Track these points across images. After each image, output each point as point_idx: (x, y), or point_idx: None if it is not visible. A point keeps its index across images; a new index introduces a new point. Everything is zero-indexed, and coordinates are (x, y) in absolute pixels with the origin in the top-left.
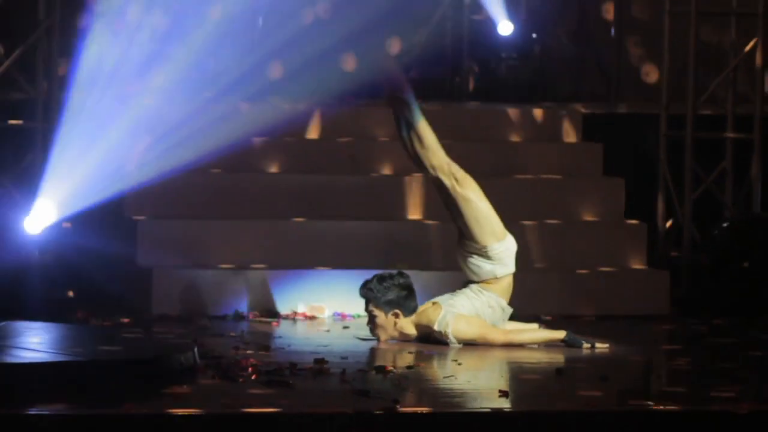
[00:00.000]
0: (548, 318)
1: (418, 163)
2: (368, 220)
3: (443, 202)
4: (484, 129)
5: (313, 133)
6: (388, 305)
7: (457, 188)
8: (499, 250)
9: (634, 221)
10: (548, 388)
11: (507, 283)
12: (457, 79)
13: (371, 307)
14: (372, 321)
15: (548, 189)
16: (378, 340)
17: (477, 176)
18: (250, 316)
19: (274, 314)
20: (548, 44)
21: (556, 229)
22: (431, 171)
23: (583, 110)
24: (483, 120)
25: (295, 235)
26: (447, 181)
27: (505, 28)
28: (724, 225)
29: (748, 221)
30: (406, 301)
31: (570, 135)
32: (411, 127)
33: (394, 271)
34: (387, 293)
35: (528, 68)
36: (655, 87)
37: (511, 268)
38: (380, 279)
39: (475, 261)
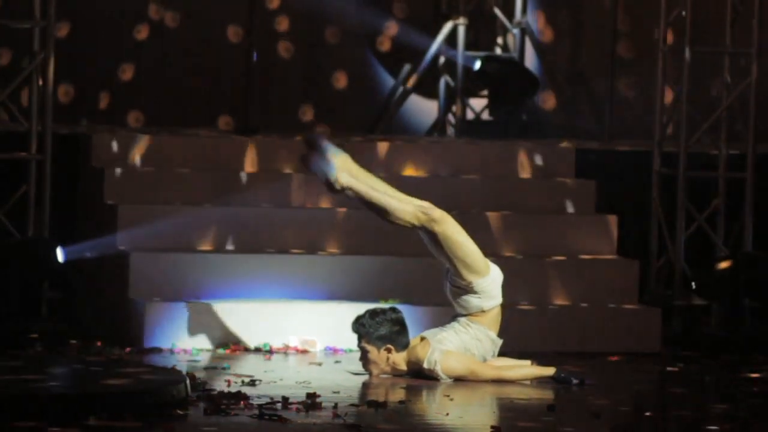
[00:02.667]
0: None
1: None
2: (362, 255)
3: (425, 243)
4: (478, 163)
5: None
6: (381, 340)
7: (437, 229)
8: (485, 284)
9: (626, 258)
10: (540, 425)
11: (495, 314)
12: (452, 114)
13: (363, 343)
14: (364, 356)
15: (540, 225)
16: (370, 375)
17: (468, 209)
18: (242, 349)
19: (266, 347)
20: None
21: (548, 264)
22: (408, 227)
23: (575, 147)
24: (477, 154)
25: (288, 267)
26: (427, 227)
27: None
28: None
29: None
30: (399, 337)
31: (563, 172)
32: (363, 203)
33: (387, 306)
34: (379, 328)
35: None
36: (649, 124)
37: (498, 299)
38: (372, 314)
39: (462, 296)
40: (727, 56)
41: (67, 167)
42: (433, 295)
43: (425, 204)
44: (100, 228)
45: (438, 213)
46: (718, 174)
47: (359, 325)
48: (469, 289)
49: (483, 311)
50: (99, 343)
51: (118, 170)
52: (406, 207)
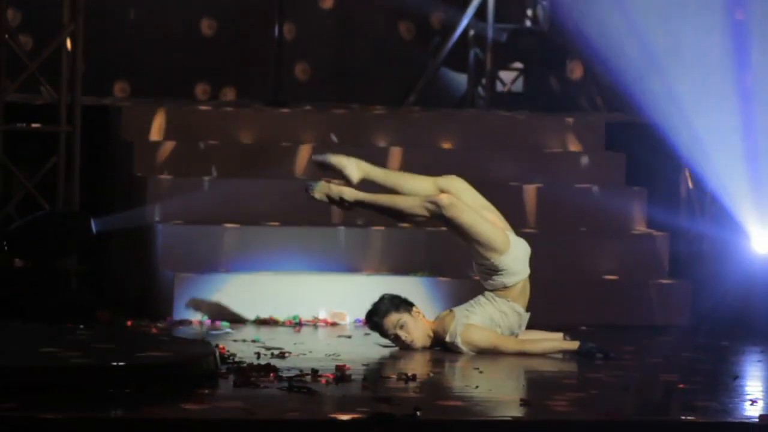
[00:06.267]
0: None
1: None
2: (390, 227)
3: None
4: (508, 136)
5: (336, 137)
6: (405, 306)
7: (447, 215)
8: (506, 261)
9: (657, 231)
10: (569, 398)
11: (520, 288)
12: (480, 87)
13: (394, 319)
14: (404, 331)
15: (570, 197)
16: (416, 348)
17: (497, 182)
18: (272, 322)
19: (296, 320)
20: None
21: (577, 237)
22: (422, 219)
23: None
24: (508, 127)
25: (318, 240)
26: (438, 213)
27: None
28: None
29: None
30: (408, 302)
31: (593, 144)
32: (376, 211)
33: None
34: (392, 302)
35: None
36: None
37: (521, 275)
38: (376, 306)
39: (486, 273)
40: None
41: (96, 140)
42: (462, 267)
43: (436, 186)
44: (129, 200)
45: (446, 199)
46: None
47: (378, 316)
48: (491, 267)
49: (506, 287)
50: (128, 316)
51: (148, 142)
52: (414, 201)
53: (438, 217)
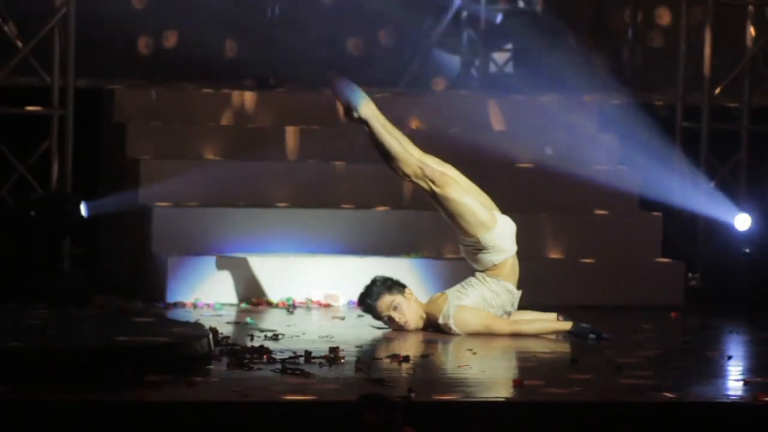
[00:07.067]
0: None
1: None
2: (383, 208)
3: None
4: (500, 117)
5: (330, 120)
6: (398, 287)
7: (436, 189)
8: (492, 238)
9: (649, 212)
10: (562, 378)
11: (510, 266)
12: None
13: (387, 301)
14: (397, 313)
15: (563, 179)
16: (410, 329)
17: (490, 163)
18: (265, 304)
19: (289, 301)
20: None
21: (572, 219)
22: (406, 179)
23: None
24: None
25: (310, 222)
26: (424, 185)
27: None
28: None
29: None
30: (399, 283)
31: (586, 125)
32: (373, 141)
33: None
34: (383, 285)
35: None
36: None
37: (508, 252)
38: (368, 289)
39: (473, 253)
40: (751, 6)
41: (89, 122)
42: (455, 248)
43: (429, 162)
44: (122, 183)
45: (438, 174)
46: (741, 127)
47: (371, 298)
48: (477, 246)
49: (495, 265)
50: (121, 298)
51: (140, 125)
52: (410, 159)
53: (420, 185)
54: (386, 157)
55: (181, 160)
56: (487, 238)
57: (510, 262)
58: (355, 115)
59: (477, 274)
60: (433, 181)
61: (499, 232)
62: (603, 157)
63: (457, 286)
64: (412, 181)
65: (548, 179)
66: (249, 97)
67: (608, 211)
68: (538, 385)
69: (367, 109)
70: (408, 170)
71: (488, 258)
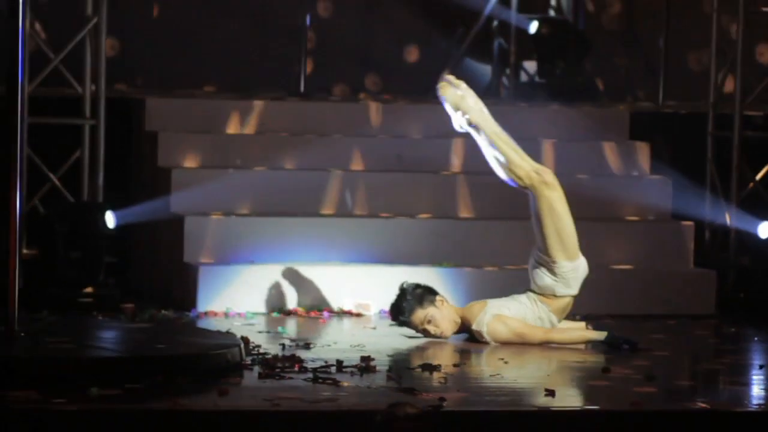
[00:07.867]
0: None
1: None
2: (416, 218)
3: (530, 207)
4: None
5: (363, 128)
6: (428, 297)
7: (546, 192)
8: (567, 269)
9: (681, 221)
10: (594, 387)
11: (565, 304)
12: (503, 78)
13: (421, 315)
14: (432, 324)
15: (596, 187)
16: (447, 338)
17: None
18: (297, 313)
19: (321, 310)
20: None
21: (603, 227)
22: (519, 183)
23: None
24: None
25: (342, 230)
26: (537, 188)
27: None
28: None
29: None
30: (431, 291)
31: (618, 134)
32: (486, 146)
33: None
34: (415, 295)
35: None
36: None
37: (574, 290)
38: (401, 298)
39: (540, 272)
40: None
41: (120, 131)
42: (487, 258)
43: (541, 166)
44: (154, 192)
45: (551, 177)
46: None
47: (404, 315)
48: (549, 267)
49: (554, 296)
50: (153, 307)
51: (172, 134)
52: (524, 163)
53: (534, 190)
54: (500, 162)
55: (212, 168)
56: (564, 266)
57: (567, 300)
58: (465, 122)
59: (530, 293)
60: (546, 185)
61: (575, 266)
62: (635, 166)
63: (503, 299)
64: (525, 187)
65: (580, 188)
66: (282, 107)
67: (640, 219)
68: (569, 394)
69: (477, 114)
70: (522, 174)
71: (551, 284)
